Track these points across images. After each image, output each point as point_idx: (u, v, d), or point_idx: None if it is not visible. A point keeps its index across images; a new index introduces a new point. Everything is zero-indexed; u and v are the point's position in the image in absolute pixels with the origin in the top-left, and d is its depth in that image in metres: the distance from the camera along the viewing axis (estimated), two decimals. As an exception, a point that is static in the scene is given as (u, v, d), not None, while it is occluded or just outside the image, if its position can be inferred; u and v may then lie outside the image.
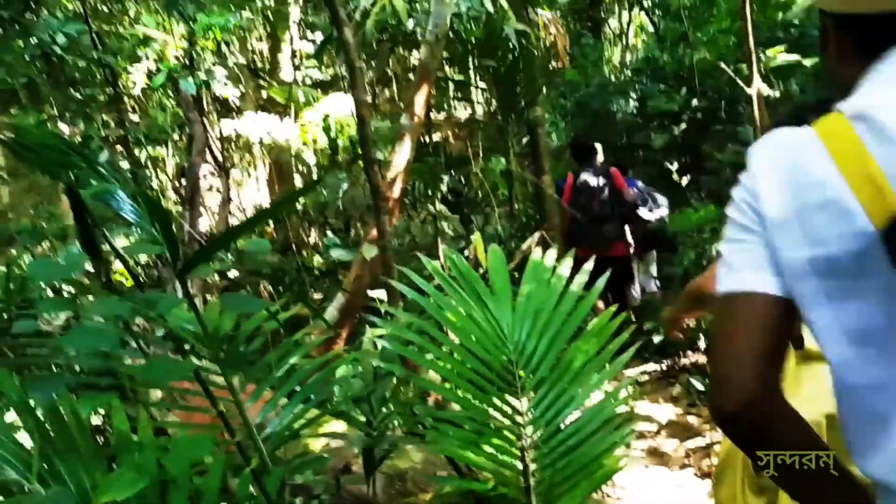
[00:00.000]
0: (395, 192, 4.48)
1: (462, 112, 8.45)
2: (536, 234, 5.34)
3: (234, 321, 1.84)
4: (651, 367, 5.17)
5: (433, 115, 7.69)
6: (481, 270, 2.21)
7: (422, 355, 1.93)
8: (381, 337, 2.02)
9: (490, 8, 5.21)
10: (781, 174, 0.83)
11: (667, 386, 4.85)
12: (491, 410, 1.88)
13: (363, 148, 3.61)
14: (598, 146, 5.74)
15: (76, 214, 1.23)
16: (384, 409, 1.95)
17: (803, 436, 0.84)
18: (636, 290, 5.83)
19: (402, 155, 4.54)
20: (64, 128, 7.09)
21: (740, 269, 0.85)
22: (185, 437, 1.39)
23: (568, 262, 2.09)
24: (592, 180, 5.50)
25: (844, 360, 0.80)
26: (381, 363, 1.94)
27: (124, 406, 1.47)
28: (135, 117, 8.38)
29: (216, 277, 6.90)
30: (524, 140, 7.69)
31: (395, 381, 2.02)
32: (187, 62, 5.91)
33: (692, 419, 4.18)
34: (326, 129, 6.72)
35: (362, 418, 1.91)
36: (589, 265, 2.08)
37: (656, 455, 3.80)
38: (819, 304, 0.80)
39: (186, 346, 1.63)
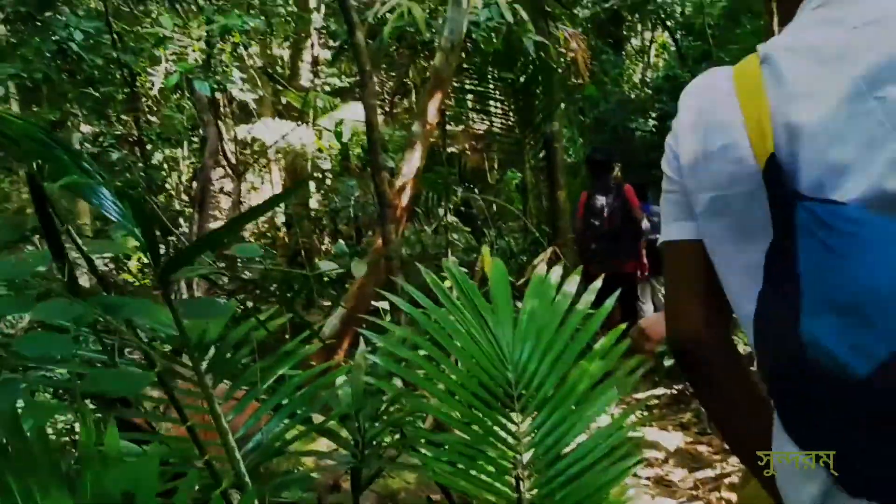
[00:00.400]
0: (404, 200, 4.39)
1: (479, 124, 8.36)
2: (549, 250, 5.24)
3: (221, 328, 1.75)
4: (661, 391, 5.02)
5: (450, 126, 7.63)
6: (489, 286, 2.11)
7: (414, 372, 1.84)
8: (372, 352, 1.92)
9: (510, 18, 5.13)
10: (695, 117, 0.86)
11: (676, 412, 4.69)
12: (486, 434, 1.77)
13: (371, 154, 3.54)
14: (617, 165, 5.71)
15: (38, 208, 1.15)
16: (374, 427, 1.84)
17: (741, 372, 0.90)
18: (648, 310, 5.72)
19: (411, 162, 4.46)
20: (84, 126, 7.10)
21: (668, 220, 0.92)
22: (155, 452, 1.29)
23: (575, 279, 1.99)
24: (605, 198, 5.44)
25: (739, 293, 0.85)
26: (372, 380, 1.84)
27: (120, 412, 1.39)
28: (152, 118, 8.39)
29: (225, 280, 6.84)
30: (540, 154, 7.60)
31: (387, 398, 1.92)
32: (204, 64, 5.89)
33: (702, 448, 4.03)
34: (338, 135, 6.67)
35: (350, 437, 1.81)
36: (597, 284, 1.99)
37: (663, 484, 3.65)
38: (719, 242, 0.85)
39: (167, 353, 1.55)
